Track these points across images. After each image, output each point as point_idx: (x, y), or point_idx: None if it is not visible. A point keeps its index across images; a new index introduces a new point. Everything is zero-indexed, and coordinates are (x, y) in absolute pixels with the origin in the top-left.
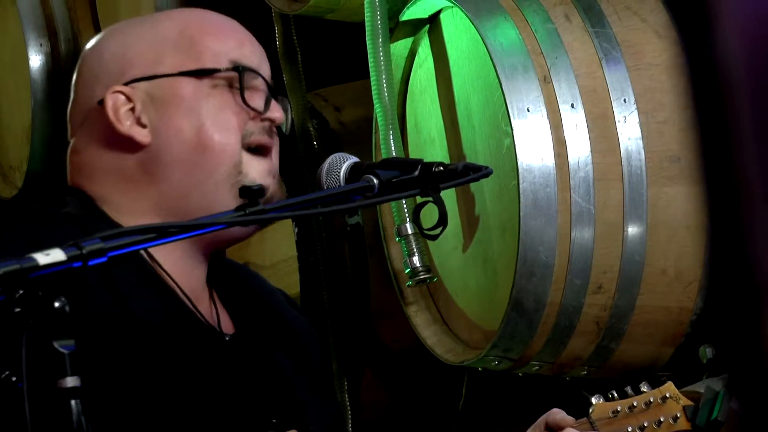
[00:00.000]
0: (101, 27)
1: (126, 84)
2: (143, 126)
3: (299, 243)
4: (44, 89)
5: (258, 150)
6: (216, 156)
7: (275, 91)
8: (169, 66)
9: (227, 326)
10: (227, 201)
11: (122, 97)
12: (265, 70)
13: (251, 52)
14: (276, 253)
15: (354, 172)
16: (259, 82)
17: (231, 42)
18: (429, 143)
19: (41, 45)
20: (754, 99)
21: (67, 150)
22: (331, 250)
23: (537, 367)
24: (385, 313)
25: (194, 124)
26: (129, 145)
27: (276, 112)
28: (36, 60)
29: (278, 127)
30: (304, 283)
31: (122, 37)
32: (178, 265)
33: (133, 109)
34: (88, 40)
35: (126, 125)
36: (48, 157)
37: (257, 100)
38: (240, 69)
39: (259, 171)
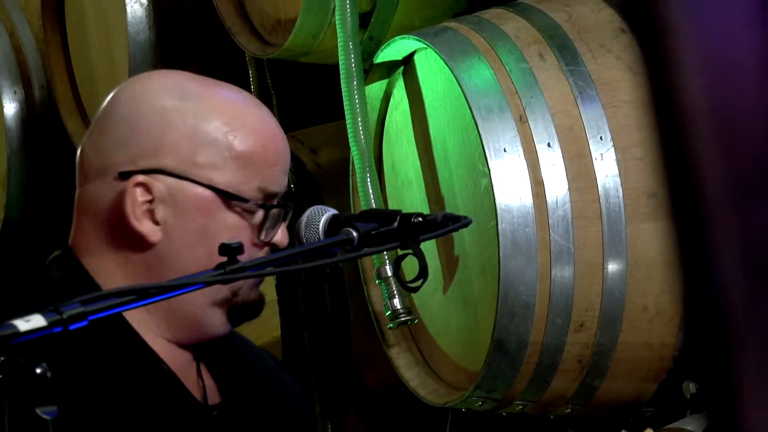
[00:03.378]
0: (75, 73)
1: (151, 172)
2: (156, 223)
3: (279, 286)
4: (19, 136)
5: None
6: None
7: (287, 208)
8: (200, 169)
9: (213, 396)
10: (218, 319)
11: (142, 189)
12: (284, 182)
13: (281, 171)
14: None
15: (333, 224)
16: (277, 213)
17: (267, 162)
18: (406, 185)
19: (15, 92)
20: (717, 141)
21: (75, 197)
22: (311, 292)
23: (521, 407)
24: (367, 355)
25: (208, 246)
26: (137, 238)
27: (281, 236)
28: (10, 107)
29: None
30: (285, 326)
31: (164, 108)
32: (164, 344)
33: (150, 201)
34: (61, 86)
35: (139, 220)
36: (25, 205)
37: (271, 230)
38: (266, 207)
39: (251, 286)
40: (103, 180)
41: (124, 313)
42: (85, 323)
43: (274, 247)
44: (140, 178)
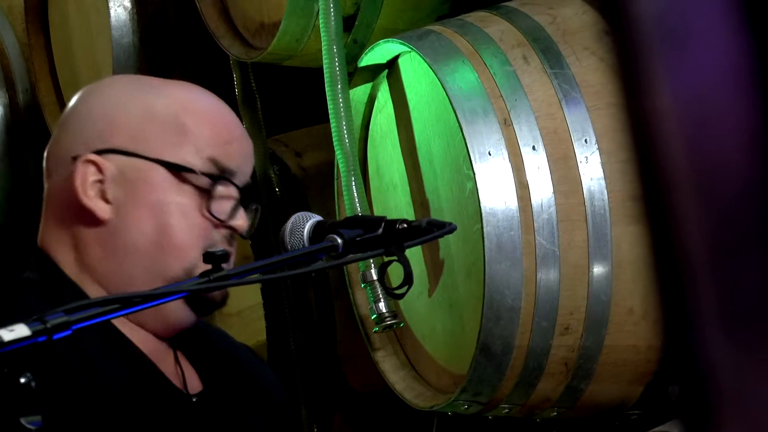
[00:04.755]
0: (58, 76)
1: (102, 152)
2: (107, 201)
3: (264, 289)
4: (3, 141)
5: None
6: (173, 258)
7: (248, 196)
8: (150, 147)
9: (194, 385)
10: (178, 307)
11: (93, 168)
12: (246, 170)
13: (237, 152)
14: (241, 301)
15: (317, 231)
16: (230, 190)
17: (219, 138)
18: (391, 188)
19: None
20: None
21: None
22: (297, 295)
23: (507, 410)
24: (353, 358)
25: (158, 221)
26: (89, 217)
27: (240, 220)
28: None
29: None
30: (271, 329)
31: (117, 96)
32: (141, 335)
33: (101, 181)
34: (45, 90)
35: (89, 197)
36: (10, 208)
37: (224, 208)
38: (215, 177)
39: None
40: (60, 167)
41: None
42: (69, 332)
43: (234, 232)
44: (90, 156)
